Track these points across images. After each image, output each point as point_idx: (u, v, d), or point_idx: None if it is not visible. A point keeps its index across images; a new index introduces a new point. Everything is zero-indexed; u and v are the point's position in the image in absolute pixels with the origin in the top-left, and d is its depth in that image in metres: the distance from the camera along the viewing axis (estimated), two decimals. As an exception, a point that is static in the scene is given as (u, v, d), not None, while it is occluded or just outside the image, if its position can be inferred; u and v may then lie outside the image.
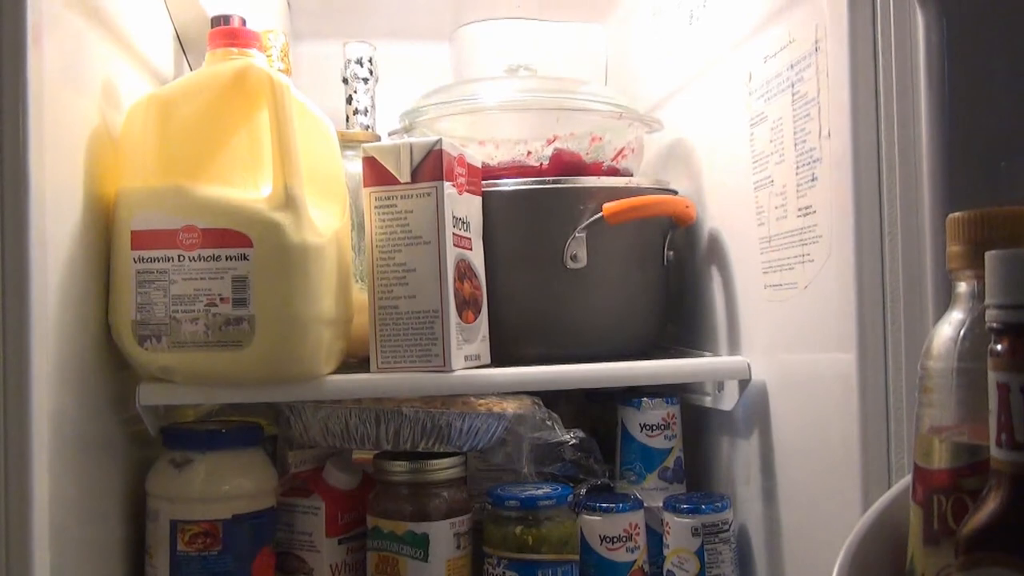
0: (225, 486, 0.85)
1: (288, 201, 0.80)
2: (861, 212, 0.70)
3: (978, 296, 0.41)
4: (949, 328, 0.43)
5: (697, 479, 1.03)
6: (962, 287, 0.44)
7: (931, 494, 0.43)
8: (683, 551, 0.90)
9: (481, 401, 0.89)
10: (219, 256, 0.79)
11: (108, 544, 0.84)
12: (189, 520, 0.83)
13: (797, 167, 0.81)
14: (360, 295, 0.91)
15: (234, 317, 0.79)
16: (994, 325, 0.37)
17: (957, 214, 0.43)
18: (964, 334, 0.42)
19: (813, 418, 0.81)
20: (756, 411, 0.91)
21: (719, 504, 0.91)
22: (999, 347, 0.37)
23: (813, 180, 0.78)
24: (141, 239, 0.80)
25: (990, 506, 0.37)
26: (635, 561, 0.92)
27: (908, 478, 0.48)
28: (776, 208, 0.85)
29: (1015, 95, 0.54)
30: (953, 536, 0.39)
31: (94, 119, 0.81)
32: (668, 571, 0.91)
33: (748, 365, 0.91)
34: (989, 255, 0.37)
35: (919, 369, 0.44)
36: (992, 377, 0.37)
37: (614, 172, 1.03)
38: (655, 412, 0.98)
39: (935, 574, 0.43)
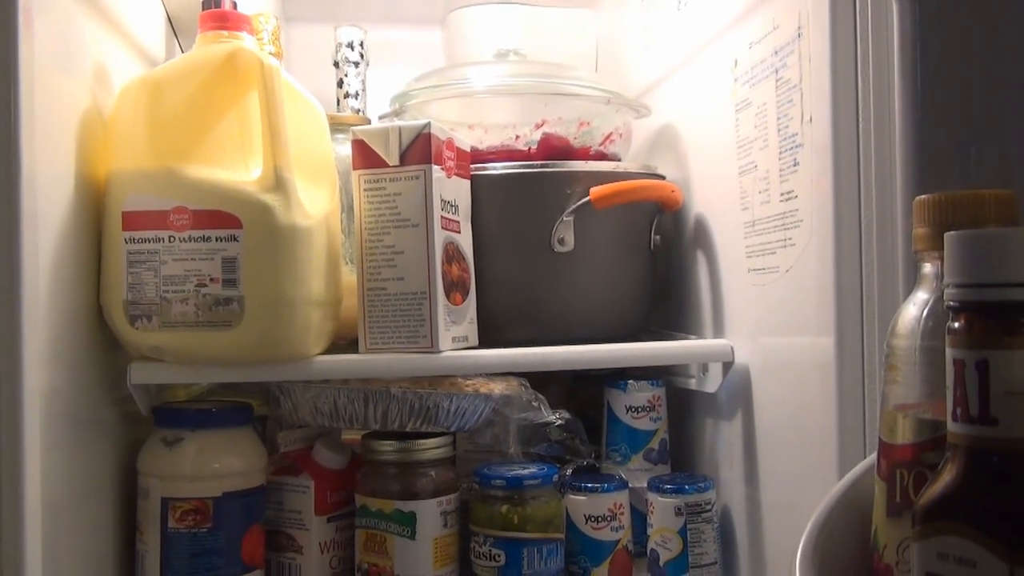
0: (215, 464, 0.86)
1: (278, 183, 0.81)
2: (841, 197, 0.72)
3: (942, 277, 0.43)
4: (914, 308, 0.45)
5: (681, 460, 1.05)
6: (927, 268, 0.45)
7: (894, 468, 0.44)
8: (666, 530, 0.92)
9: (468, 382, 0.91)
10: (209, 237, 0.80)
11: (100, 521, 0.85)
12: (180, 497, 0.85)
13: (780, 152, 0.82)
14: (349, 277, 0.92)
15: (224, 297, 0.80)
16: (951, 303, 0.38)
17: (922, 197, 0.44)
18: (928, 313, 0.44)
19: (793, 400, 0.82)
20: (739, 394, 0.93)
21: (702, 485, 0.92)
22: (956, 324, 0.38)
23: (795, 165, 0.79)
24: (132, 220, 0.81)
25: (945, 478, 0.38)
26: (619, 540, 0.93)
27: (871, 458, 0.49)
28: (760, 193, 0.86)
29: (986, 82, 0.55)
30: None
31: (85, 101, 0.82)
32: (652, 550, 0.93)
33: (731, 348, 0.92)
34: (948, 236, 0.38)
35: (885, 347, 0.46)
36: (949, 354, 0.38)
37: (602, 157, 1.04)
38: (641, 394, 0.99)
39: (897, 545, 0.44)
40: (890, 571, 0.45)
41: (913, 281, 0.48)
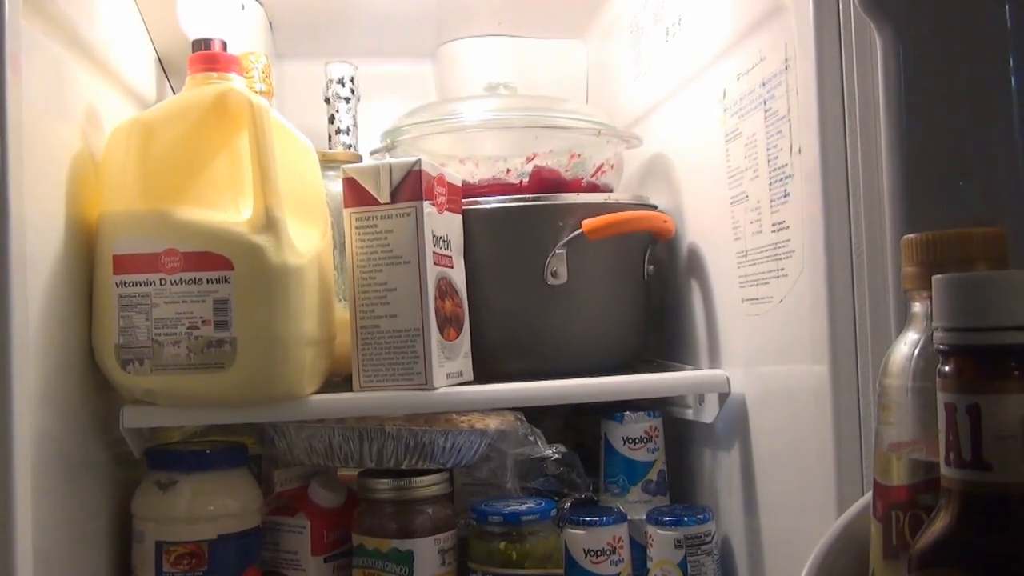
0: (210, 506, 0.86)
1: (269, 223, 0.81)
2: (831, 227, 0.72)
3: (931, 316, 0.42)
4: (905, 347, 0.44)
5: (680, 491, 1.04)
6: (916, 307, 0.45)
7: (890, 510, 0.44)
8: (667, 563, 0.91)
9: (464, 418, 0.90)
10: (201, 279, 0.80)
11: (93, 566, 0.84)
12: (175, 541, 0.84)
13: (770, 183, 0.82)
14: (343, 314, 0.92)
15: (216, 339, 0.79)
16: (941, 347, 0.38)
17: (910, 236, 0.44)
18: (919, 353, 0.43)
19: (790, 430, 0.82)
20: (736, 423, 0.92)
21: (701, 516, 0.92)
22: (946, 368, 0.38)
23: (786, 196, 0.79)
24: (123, 263, 0.80)
25: (940, 523, 0.38)
26: (619, 574, 0.92)
27: (869, 496, 0.49)
28: (751, 223, 0.86)
29: (973, 116, 0.55)
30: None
31: (76, 144, 0.82)
32: (652, 583, 0.92)
33: (727, 378, 0.92)
34: (935, 280, 0.38)
35: (877, 387, 0.46)
36: (940, 398, 0.38)
37: (594, 188, 1.04)
38: (637, 425, 0.99)
39: (895, 588, 0.44)
40: (889, 614, 0.44)
41: (905, 311, 0.48)
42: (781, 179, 0.80)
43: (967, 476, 0.37)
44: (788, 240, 0.79)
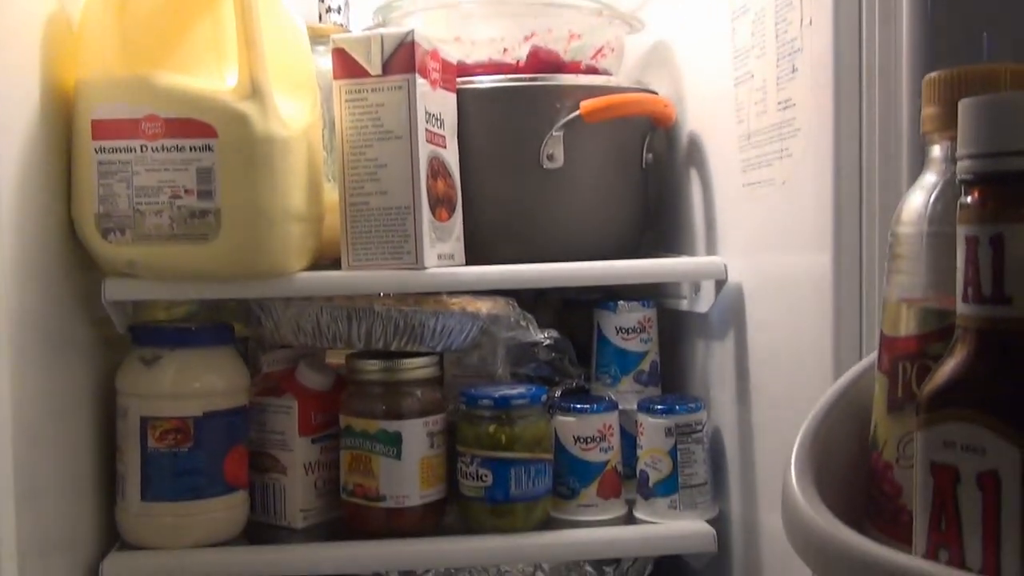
0: (196, 383, 0.84)
1: (254, 91, 0.78)
2: (841, 100, 0.69)
3: (951, 159, 0.40)
4: (921, 192, 0.42)
5: (672, 383, 1.03)
6: (935, 151, 0.42)
7: (897, 361, 0.42)
8: (656, 451, 0.91)
9: (454, 300, 0.89)
10: (183, 147, 0.77)
11: (78, 442, 0.83)
12: (159, 416, 0.83)
13: (778, 59, 0.79)
14: (332, 195, 0.89)
15: (199, 210, 0.77)
16: (965, 176, 0.36)
17: (933, 74, 0.42)
18: (936, 197, 0.41)
19: (788, 319, 0.80)
20: (732, 313, 0.91)
21: (692, 405, 0.91)
22: (969, 199, 0.36)
23: (793, 72, 0.76)
24: (102, 129, 0.77)
25: (953, 362, 0.36)
26: (608, 461, 0.92)
27: (872, 356, 0.47)
28: (755, 104, 0.83)
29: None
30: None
31: (51, 6, 0.78)
32: (641, 471, 0.92)
33: (724, 266, 0.90)
34: (963, 102, 0.36)
35: (889, 237, 0.43)
36: (960, 231, 0.36)
37: (593, 71, 1.00)
38: (631, 315, 0.97)
39: (898, 441, 0.42)
40: (890, 469, 0.43)
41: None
42: (789, 54, 0.76)
43: (986, 312, 0.35)
44: (794, 118, 0.76)
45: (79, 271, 0.83)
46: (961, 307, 0.36)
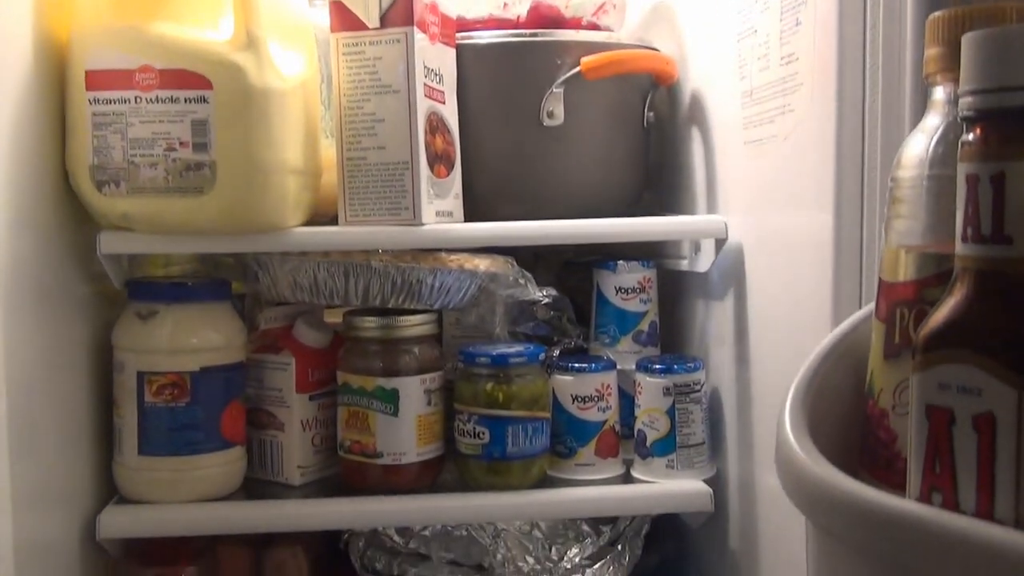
0: (193, 338, 0.84)
1: (250, 43, 0.77)
2: (845, 52, 0.67)
3: (954, 100, 0.39)
4: (922, 136, 0.41)
5: (671, 343, 1.03)
6: (938, 92, 0.41)
7: (894, 307, 0.42)
8: (654, 410, 0.90)
9: (453, 257, 0.88)
10: (178, 98, 0.76)
11: (75, 396, 0.83)
12: (156, 371, 0.82)
13: (781, 12, 0.77)
14: (329, 151, 0.88)
15: (194, 162, 0.76)
16: (967, 113, 0.35)
17: (936, 13, 0.41)
18: (938, 139, 0.40)
19: (787, 279, 0.79)
20: (731, 273, 0.90)
21: (691, 365, 0.91)
22: (970, 136, 0.35)
23: (797, 25, 0.75)
24: (96, 79, 0.77)
25: (950, 303, 0.35)
26: (606, 420, 0.92)
27: (870, 306, 0.46)
28: (759, 59, 0.82)
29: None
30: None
31: (43, -47, 0.77)
32: (639, 430, 0.92)
33: (725, 224, 0.89)
34: (966, 36, 0.35)
35: (889, 181, 0.43)
36: (961, 169, 0.35)
37: (594, 28, 0.99)
38: (631, 275, 0.97)
39: (894, 388, 0.42)
40: (886, 416, 0.42)
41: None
42: (793, 7, 0.75)
43: (985, 252, 0.34)
44: (796, 73, 0.75)
45: (75, 225, 0.82)
46: (960, 247, 0.35)
